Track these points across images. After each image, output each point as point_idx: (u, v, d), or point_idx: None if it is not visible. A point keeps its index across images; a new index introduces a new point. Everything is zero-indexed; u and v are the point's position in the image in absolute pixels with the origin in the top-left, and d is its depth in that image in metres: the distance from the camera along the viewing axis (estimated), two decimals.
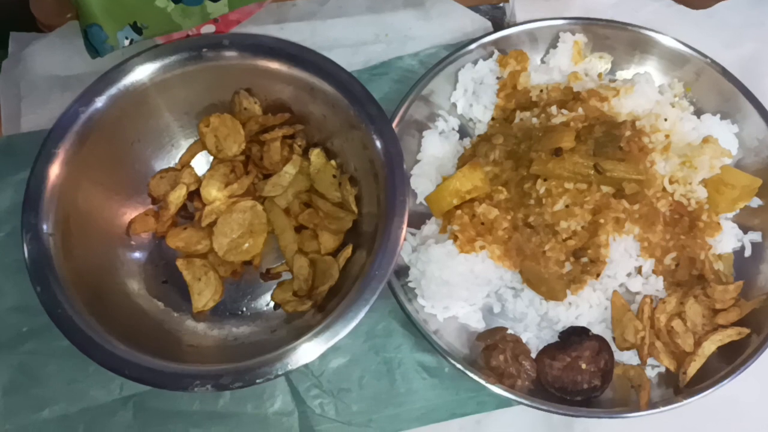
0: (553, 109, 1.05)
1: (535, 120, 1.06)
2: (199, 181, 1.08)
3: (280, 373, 0.87)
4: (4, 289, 1.04)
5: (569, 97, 1.07)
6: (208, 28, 1.09)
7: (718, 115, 1.10)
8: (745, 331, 0.98)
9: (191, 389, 0.86)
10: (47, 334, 0.99)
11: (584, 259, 0.99)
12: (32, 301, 0.97)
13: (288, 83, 1.04)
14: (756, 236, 1.05)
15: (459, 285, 0.98)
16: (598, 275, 0.99)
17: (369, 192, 1.01)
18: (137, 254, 1.05)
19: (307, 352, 0.88)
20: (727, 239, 1.04)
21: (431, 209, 1.04)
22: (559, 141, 0.98)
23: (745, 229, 1.06)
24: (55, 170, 0.96)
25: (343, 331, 0.88)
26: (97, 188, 1.01)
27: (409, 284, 1.02)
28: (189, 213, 1.09)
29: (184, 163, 1.10)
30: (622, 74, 1.16)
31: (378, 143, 0.97)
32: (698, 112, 1.11)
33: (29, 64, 1.16)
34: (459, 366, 0.95)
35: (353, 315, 0.89)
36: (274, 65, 1.03)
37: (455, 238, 0.98)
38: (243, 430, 0.98)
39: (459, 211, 1.00)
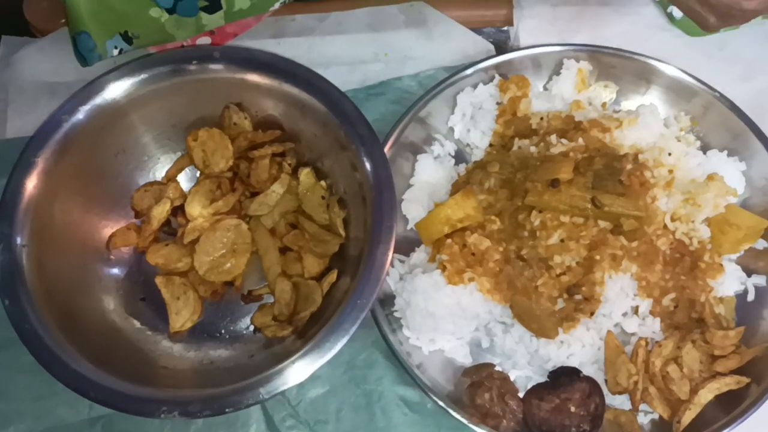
0: (553, 138, 1.01)
1: (533, 148, 1.02)
2: (184, 196, 1.04)
3: (250, 402, 0.83)
4: None
5: (570, 126, 1.03)
6: (204, 40, 1.07)
7: (725, 152, 1.05)
8: (745, 380, 0.93)
9: (157, 415, 0.82)
10: (15, 349, 0.94)
11: (578, 297, 0.94)
12: (2, 313, 0.94)
13: (279, 99, 1.01)
14: (760, 280, 1.01)
15: (445, 318, 0.94)
16: (592, 314, 0.94)
17: (357, 215, 0.98)
18: (115, 270, 1.02)
19: (281, 380, 0.84)
20: (729, 282, 0.99)
21: (421, 236, 1.00)
22: (557, 172, 0.94)
23: (749, 272, 1.01)
24: (33, 180, 0.93)
25: (320, 360, 0.84)
26: (76, 200, 0.98)
27: (395, 314, 0.98)
28: (172, 229, 1.05)
29: (170, 177, 1.07)
30: (627, 105, 1.11)
31: (367, 165, 0.94)
32: (704, 148, 1.07)
33: (18, 68, 1.14)
34: (441, 403, 0.91)
35: (332, 344, 0.85)
36: (265, 80, 0.99)
37: (443, 268, 0.94)
38: None
39: (449, 240, 0.96)
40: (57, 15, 1.16)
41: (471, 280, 0.94)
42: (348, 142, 0.95)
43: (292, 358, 0.85)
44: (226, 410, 0.82)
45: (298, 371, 0.84)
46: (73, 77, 1.11)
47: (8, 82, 1.13)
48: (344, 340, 0.85)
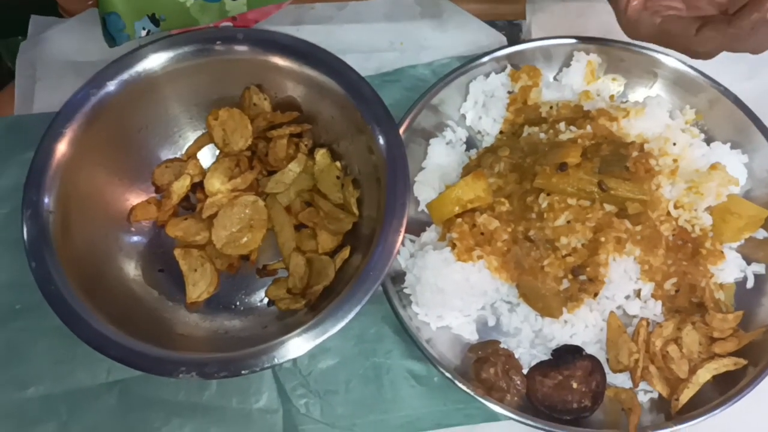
0: (562, 125, 1.04)
1: (543, 135, 1.05)
2: (203, 173, 1.08)
3: (266, 365, 0.86)
4: (1, 264, 1.04)
5: (579, 115, 1.06)
6: (226, 26, 1.11)
7: (729, 144, 1.08)
8: (742, 362, 0.96)
9: (176, 375, 0.86)
10: (39, 313, 0.98)
11: (582, 278, 0.97)
12: (27, 279, 0.97)
13: (298, 81, 1.04)
14: (759, 268, 1.04)
15: (453, 294, 0.97)
16: (595, 295, 0.97)
17: (371, 195, 1.01)
18: (136, 240, 1.05)
19: (294, 347, 0.87)
20: (730, 269, 1.02)
21: (432, 216, 1.03)
22: (565, 156, 0.97)
23: (749, 261, 1.04)
24: (61, 149, 0.96)
25: (332, 329, 0.87)
26: (101, 171, 1.02)
27: (405, 290, 1.01)
28: (191, 204, 1.09)
29: (191, 155, 1.10)
30: (635, 97, 1.15)
31: (383, 146, 0.97)
32: (709, 140, 1.10)
33: (46, 47, 1.17)
34: (448, 375, 0.94)
35: (343, 314, 0.88)
36: (286, 62, 1.03)
37: (453, 246, 0.98)
38: (225, 424, 0.97)
39: (459, 220, 0.99)
40: None
41: (480, 257, 0.97)
42: (364, 124, 0.99)
43: (305, 326, 0.88)
44: (242, 372, 0.86)
45: (310, 339, 0.87)
46: (98, 57, 1.13)
47: (36, 60, 1.16)
48: (356, 310, 0.88)
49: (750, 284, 1.03)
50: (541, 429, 0.93)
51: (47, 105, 1.14)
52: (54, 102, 1.12)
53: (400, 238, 0.92)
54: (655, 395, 0.98)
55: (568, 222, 0.97)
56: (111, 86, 1.00)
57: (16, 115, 1.13)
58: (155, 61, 1.02)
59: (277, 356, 0.86)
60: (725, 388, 0.95)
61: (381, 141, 0.97)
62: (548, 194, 0.98)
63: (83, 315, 0.89)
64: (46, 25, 1.19)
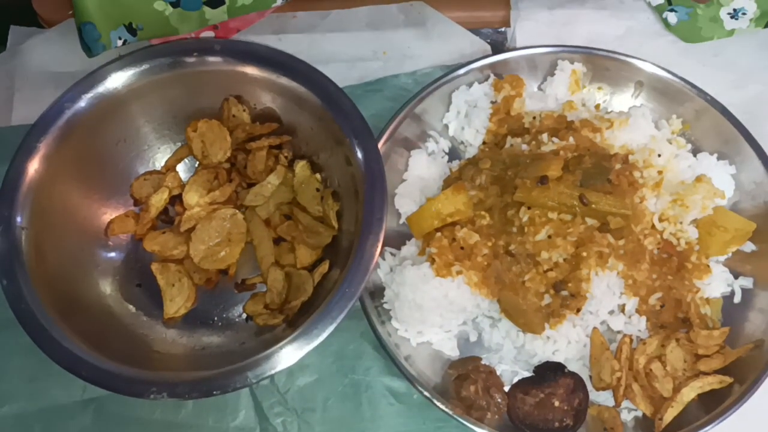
0: (544, 136, 1.03)
1: (525, 146, 1.03)
2: (182, 185, 1.07)
3: (238, 386, 0.85)
4: None
5: (562, 126, 1.05)
6: (207, 35, 1.09)
7: (716, 155, 1.07)
8: (728, 380, 0.94)
9: (147, 396, 0.85)
10: (12, 330, 0.96)
11: (564, 293, 0.96)
12: (0, 294, 0.96)
13: (277, 93, 1.03)
14: (747, 282, 1.02)
15: (432, 310, 0.95)
16: (578, 310, 0.95)
17: (350, 209, 1.00)
18: (113, 255, 1.04)
19: (268, 366, 0.86)
20: (716, 283, 1.01)
21: (412, 230, 1.02)
22: (546, 169, 0.95)
23: (736, 275, 1.02)
24: (34, 164, 0.95)
25: (306, 347, 0.86)
26: (76, 185, 1.01)
27: (384, 305, 1.00)
28: (170, 217, 1.07)
29: (169, 167, 1.09)
30: (620, 107, 1.12)
31: (360, 159, 0.95)
32: (696, 151, 1.08)
33: (25, 58, 1.16)
34: (426, 394, 0.92)
35: (318, 332, 0.87)
36: (263, 73, 1.01)
37: (432, 261, 0.96)
38: None
39: (438, 234, 0.97)
40: (64, 6, 1.17)
41: (459, 273, 0.95)
42: (342, 136, 0.97)
43: (280, 344, 0.87)
44: (214, 393, 0.84)
45: (285, 357, 0.86)
46: (78, 68, 1.12)
47: (15, 71, 1.15)
48: (331, 328, 0.87)
49: (737, 299, 1.02)
50: None
51: (26, 117, 1.12)
52: (33, 113, 1.10)
53: (377, 252, 0.90)
54: (639, 414, 0.96)
55: (549, 236, 0.95)
56: (84, 100, 0.99)
57: None
58: (130, 73, 1.01)
59: (251, 376, 0.85)
60: (710, 407, 0.93)
61: (359, 153, 0.96)
62: (529, 208, 0.96)
63: (54, 334, 0.88)
64: (25, 35, 1.18)
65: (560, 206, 0.95)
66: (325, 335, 0.86)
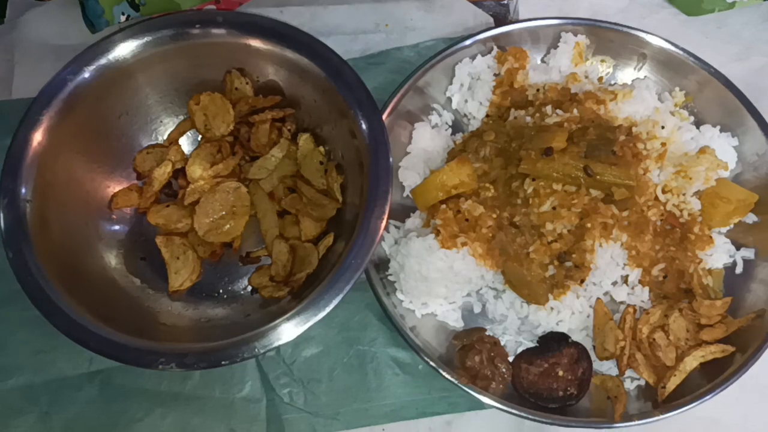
0: (548, 108, 1.03)
1: (528, 119, 1.03)
2: (185, 159, 1.06)
3: (246, 356, 0.86)
4: None
5: (566, 98, 1.05)
6: (206, 9, 1.09)
7: (718, 127, 1.07)
8: (730, 348, 0.95)
9: (155, 366, 0.85)
10: (17, 303, 0.98)
11: (568, 264, 0.96)
12: (4, 268, 0.96)
13: (280, 65, 1.03)
14: (749, 253, 1.03)
15: (437, 281, 0.96)
16: (582, 281, 0.96)
17: (354, 181, 1.00)
18: (117, 228, 1.04)
19: (275, 337, 0.86)
20: (718, 254, 1.01)
21: (416, 202, 1.02)
22: (550, 141, 0.96)
23: (738, 246, 1.03)
24: (38, 137, 0.95)
25: (313, 318, 0.87)
26: (80, 158, 1.00)
27: (389, 278, 1.00)
28: (173, 191, 1.07)
29: (172, 140, 1.08)
30: (624, 79, 1.13)
31: (365, 131, 0.95)
32: (698, 123, 1.09)
33: (25, 30, 1.16)
34: (432, 363, 0.93)
35: (325, 303, 0.87)
36: (266, 45, 1.01)
37: (437, 233, 0.96)
38: (208, 414, 0.97)
39: (443, 206, 0.98)
40: None
41: (464, 244, 0.96)
42: (347, 108, 0.97)
43: (287, 315, 0.87)
44: (222, 363, 0.85)
45: (292, 328, 0.86)
46: (78, 40, 1.12)
47: (14, 43, 1.14)
48: (338, 299, 0.87)
49: (739, 269, 1.02)
50: (527, 417, 0.92)
51: (27, 90, 1.12)
52: (34, 86, 1.09)
53: (383, 224, 0.91)
54: (642, 383, 0.97)
55: (554, 208, 0.95)
56: (87, 72, 0.98)
57: None
58: (133, 44, 1.00)
59: (258, 346, 0.86)
60: (713, 376, 0.94)
61: (363, 126, 0.96)
62: (533, 179, 0.96)
63: (62, 306, 0.88)
64: (24, 7, 1.17)
65: (565, 177, 0.95)
66: (331, 306, 0.87)
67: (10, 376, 0.98)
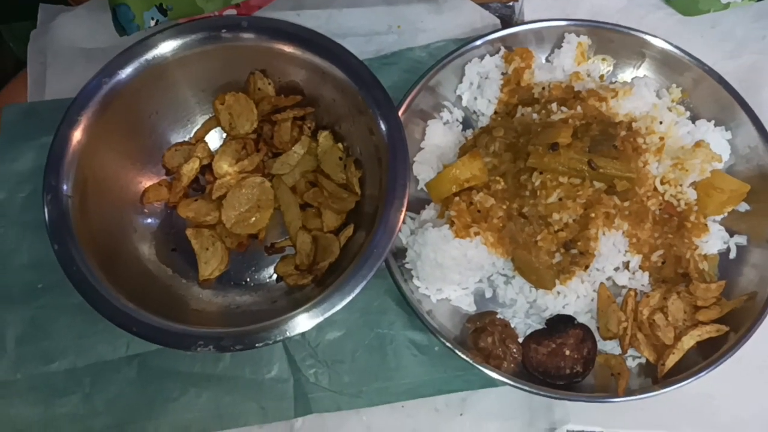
0: (554, 105, 1.09)
1: (535, 115, 1.10)
2: (211, 155, 1.13)
3: (278, 338, 0.92)
4: (22, 246, 1.09)
5: (570, 96, 1.11)
6: (230, 13, 1.15)
7: (713, 122, 1.13)
8: (724, 328, 1.02)
9: (194, 349, 0.91)
10: (59, 291, 1.05)
11: (574, 251, 1.03)
12: (47, 258, 1.03)
13: (301, 66, 1.08)
14: (741, 240, 1.09)
15: (452, 268, 1.03)
16: (586, 267, 1.03)
17: (372, 175, 1.06)
18: (149, 221, 1.10)
19: (305, 321, 0.92)
20: (713, 241, 1.08)
21: (431, 195, 1.08)
22: (556, 136, 1.02)
23: (731, 233, 1.10)
24: (76, 136, 1.00)
25: (340, 303, 0.93)
26: (114, 155, 1.06)
27: (406, 266, 1.07)
28: (200, 185, 1.14)
29: (199, 138, 1.15)
30: (623, 77, 1.19)
31: (383, 128, 1.02)
32: (694, 118, 1.15)
33: (56, 34, 1.21)
34: (448, 345, 1.00)
35: (350, 289, 0.94)
36: (289, 48, 1.07)
37: (451, 223, 1.03)
38: (239, 393, 1.03)
39: (457, 198, 1.04)
40: None
41: (477, 234, 1.02)
42: (365, 107, 1.03)
43: (314, 301, 0.94)
44: (256, 345, 0.91)
45: (320, 312, 0.93)
46: (107, 43, 1.19)
47: (47, 47, 1.20)
48: (362, 285, 0.94)
49: (732, 255, 1.09)
50: (537, 393, 0.99)
51: (59, 91, 1.18)
52: (65, 88, 1.18)
53: (402, 216, 0.97)
54: (643, 361, 1.04)
55: (560, 199, 1.02)
56: (123, 74, 1.04)
57: (30, 102, 1.18)
58: (165, 48, 1.06)
59: (289, 329, 0.92)
60: (708, 353, 1.01)
61: (381, 124, 1.02)
62: (541, 173, 1.03)
63: (105, 294, 0.94)
64: (54, 13, 1.23)
65: (570, 171, 1.02)
66: (356, 292, 0.93)
67: (55, 359, 1.04)
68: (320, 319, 0.92)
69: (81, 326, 1.05)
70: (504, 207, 1.04)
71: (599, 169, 1.01)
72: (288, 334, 0.92)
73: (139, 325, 0.93)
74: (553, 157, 1.02)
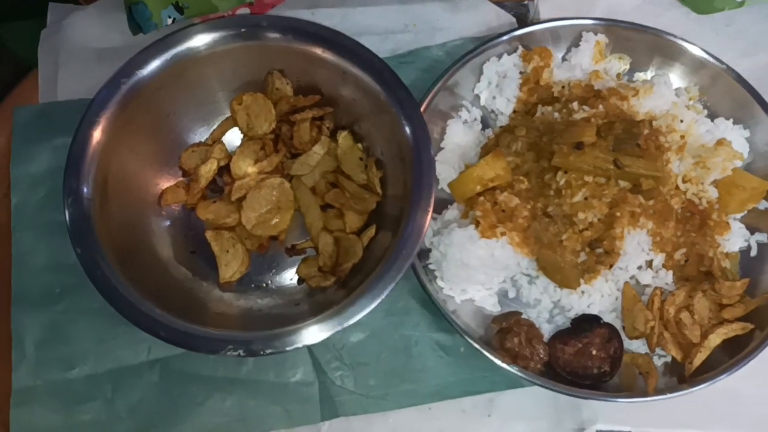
0: (575, 104, 1.09)
1: (556, 114, 1.09)
2: (228, 156, 1.11)
3: (309, 342, 0.91)
4: (38, 249, 1.07)
5: (590, 95, 1.11)
6: (243, 11, 1.13)
7: (731, 120, 1.14)
8: (749, 326, 1.02)
9: (224, 353, 0.90)
10: (78, 295, 1.04)
11: (599, 250, 1.03)
12: (64, 261, 1.02)
13: (321, 66, 1.07)
14: (762, 237, 1.10)
15: (478, 269, 1.02)
16: (611, 266, 1.03)
17: (394, 175, 1.05)
18: (167, 223, 1.09)
19: (335, 324, 0.91)
20: (734, 239, 1.08)
21: (454, 195, 1.08)
22: (581, 135, 1.02)
23: (752, 230, 1.10)
24: (96, 136, 0.99)
25: (370, 305, 0.92)
26: (132, 157, 1.05)
27: (430, 266, 1.06)
28: (218, 187, 1.12)
29: (215, 139, 1.13)
30: (640, 75, 1.20)
31: (407, 128, 1.01)
32: (711, 116, 1.15)
33: (67, 34, 1.19)
34: (477, 346, 0.99)
35: (380, 291, 0.93)
36: (309, 48, 1.05)
37: (477, 224, 1.02)
38: (264, 397, 1.02)
39: (481, 198, 1.04)
40: None
41: (503, 234, 1.02)
42: (388, 106, 1.02)
43: (344, 303, 0.93)
44: (287, 348, 0.90)
45: (351, 314, 0.92)
46: (120, 43, 1.17)
47: (58, 47, 1.18)
48: (391, 286, 0.93)
49: (754, 252, 1.10)
50: (568, 394, 0.99)
51: (71, 91, 1.16)
52: (77, 88, 1.16)
53: (429, 217, 0.96)
54: (669, 359, 1.04)
55: (586, 198, 1.02)
56: (141, 74, 1.02)
57: (43, 103, 1.15)
58: (183, 48, 1.04)
59: (320, 332, 0.91)
60: (732, 351, 1.01)
61: (405, 123, 1.01)
62: (566, 172, 1.02)
63: (131, 299, 0.92)
64: (64, 12, 1.20)
65: (596, 170, 1.01)
66: (387, 292, 0.93)
67: (75, 365, 1.02)
68: (352, 321, 0.91)
69: (101, 330, 1.04)
70: (528, 206, 1.04)
71: (625, 168, 1.01)
72: (319, 337, 0.91)
73: (167, 329, 0.91)
74: (578, 157, 1.01)
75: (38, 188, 1.10)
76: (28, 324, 1.03)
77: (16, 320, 1.03)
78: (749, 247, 1.10)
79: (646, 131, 1.05)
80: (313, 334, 0.91)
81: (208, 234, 1.07)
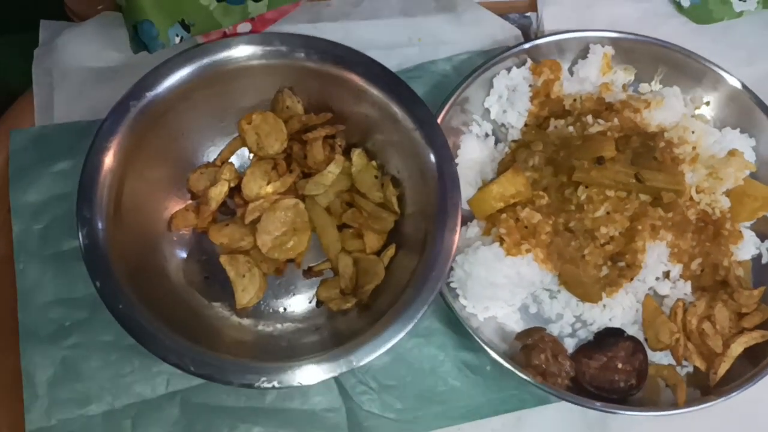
0: (589, 118, 1.09)
1: (571, 128, 1.09)
2: (238, 177, 1.08)
3: (344, 369, 0.88)
4: (43, 282, 1.02)
5: (602, 108, 1.11)
6: (244, 27, 1.10)
7: (738, 129, 1.15)
8: None
9: (259, 386, 0.87)
10: (88, 328, 1.00)
11: (621, 264, 1.03)
12: (72, 294, 0.99)
13: (333, 84, 1.05)
14: None
15: (504, 287, 1.01)
16: (632, 279, 1.03)
17: (414, 193, 1.04)
18: (179, 250, 1.05)
19: (371, 348, 0.89)
20: (747, 247, 1.10)
21: (474, 212, 1.07)
22: (601, 150, 1.02)
23: (762, 237, 1.12)
24: (106, 164, 0.94)
25: (404, 329, 0.90)
26: (141, 182, 1.00)
27: (451, 285, 1.05)
28: (229, 209, 1.09)
29: (224, 159, 1.10)
30: (644, 86, 1.20)
31: (428, 145, 0.99)
32: (717, 126, 1.17)
33: (61, 53, 1.13)
34: (507, 365, 0.98)
35: (413, 314, 0.91)
36: (321, 66, 1.02)
37: (501, 241, 1.01)
38: (291, 426, 0.99)
39: (504, 215, 1.03)
40: (95, 0, 1.17)
41: (528, 251, 1.01)
42: (407, 124, 1.01)
43: (378, 325, 0.91)
44: (324, 377, 0.88)
45: (389, 336, 0.90)
46: (117, 62, 1.13)
47: (52, 67, 1.12)
48: (424, 309, 0.92)
49: (765, 260, 1.12)
50: (593, 408, 0.99)
51: (68, 113, 1.11)
52: (75, 110, 1.11)
53: (456, 237, 0.95)
54: (691, 370, 1.05)
55: (608, 213, 1.02)
56: (150, 95, 0.98)
57: (40, 126, 1.09)
58: (189, 69, 1.00)
59: (356, 359, 0.89)
60: (755, 361, 1.03)
61: (425, 140, 1.00)
62: (587, 187, 1.02)
63: (156, 333, 0.89)
64: (57, 30, 1.15)
65: (617, 184, 1.02)
66: (421, 313, 0.91)
67: (90, 401, 0.97)
68: (389, 345, 0.90)
69: (115, 365, 0.99)
70: (550, 222, 1.03)
71: (646, 182, 1.01)
72: (355, 363, 0.89)
73: (197, 363, 0.88)
74: (599, 171, 1.01)
75: (40, 217, 1.04)
76: (38, 362, 0.98)
77: (25, 358, 0.98)
78: (760, 255, 1.12)
79: (661, 144, 1.06)
80: (350, 361, 0.89)
81: (223, 259, 1.04)
